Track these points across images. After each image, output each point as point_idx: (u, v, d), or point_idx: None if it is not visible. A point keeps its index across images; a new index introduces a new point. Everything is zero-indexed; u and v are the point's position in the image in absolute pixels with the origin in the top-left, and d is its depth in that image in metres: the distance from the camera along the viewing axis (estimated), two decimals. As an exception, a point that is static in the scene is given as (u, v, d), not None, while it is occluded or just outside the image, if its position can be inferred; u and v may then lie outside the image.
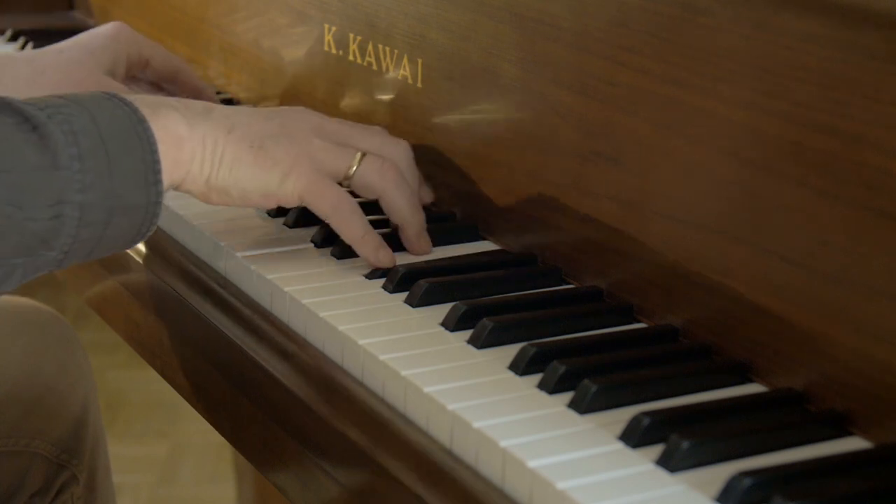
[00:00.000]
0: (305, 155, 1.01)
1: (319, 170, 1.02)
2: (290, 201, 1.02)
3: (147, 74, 1.39)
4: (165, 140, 0.95)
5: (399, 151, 1.07)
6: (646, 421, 0.79)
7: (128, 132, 0.93)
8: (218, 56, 1.51)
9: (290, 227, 1.12)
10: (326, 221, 1.03)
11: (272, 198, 1.01)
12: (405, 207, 1.05)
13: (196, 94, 1.39)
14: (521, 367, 0.87)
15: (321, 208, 1.02)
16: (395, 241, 1.06)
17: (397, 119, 1.20)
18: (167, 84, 1.40)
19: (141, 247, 1.14)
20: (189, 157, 0.97)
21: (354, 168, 1.03)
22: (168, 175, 0.96)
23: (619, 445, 0.79)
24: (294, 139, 1.02)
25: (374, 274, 1.02)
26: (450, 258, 1.06)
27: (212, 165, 0.99)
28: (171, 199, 1.13)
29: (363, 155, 1.04)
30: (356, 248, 1.03)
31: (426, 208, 1.13)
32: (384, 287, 1.00)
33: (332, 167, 1.03)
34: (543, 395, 0.85)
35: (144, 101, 0.96)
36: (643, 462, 0.77)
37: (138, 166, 0.92)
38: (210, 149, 0.98)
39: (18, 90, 1.22)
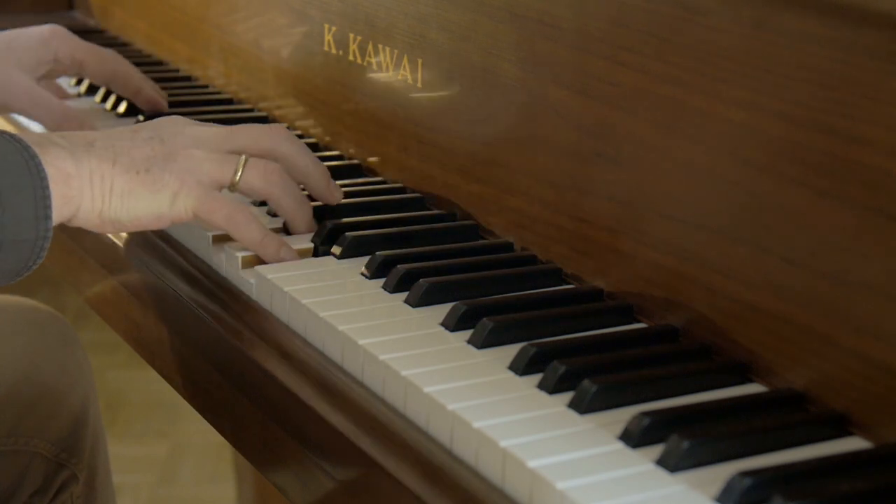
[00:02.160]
0: (189, 172, 1.03)
1: (206, 184, 1.03)
2: (184, 219, 1.04)
3: (87, 76, 1.41)
4: (54, 177, 0.96)
5: (277, 140, 1.09)
6: (646, 421, 0.79)
7: (20, 168, 0.94)
8: (218, 56, 1.51)
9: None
10: (224, 231, 1.05)
11: (164, 219, 1.03)
12: (292, 206, 1.08)
13: (136, 93, 1.40)
14: (521, 367, 0.87)
15: (216, 222, 1.04)
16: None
17: (397, 119, 1.20)
18: (111, 85, 1.42)
19: (140, 246, 1.14)
20: (77, 193, 0.98)
21: (239, 174, 1.05)
22: (57, 210, 0.97)
23: (619, 445, 0.79)
24: (176, 158, 1.03)
25: (374, 273, 1.02)
26: (449, 258, 1.05)
27: (103, 199, 1.00)
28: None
29: (246, 160, 1.05)
30: (258, 252, 1.04)
31: (425, 207, 1.13)
32: (384, 287, 1.00)
33: (218, 177, 1.04)
34: (543, 395, 0.85)
35: (31, 139, 0.97)
36: (643, 462, 0.77)
37: (29, 202, 0.94)
38: (98, 184, 0.99)
39: None
